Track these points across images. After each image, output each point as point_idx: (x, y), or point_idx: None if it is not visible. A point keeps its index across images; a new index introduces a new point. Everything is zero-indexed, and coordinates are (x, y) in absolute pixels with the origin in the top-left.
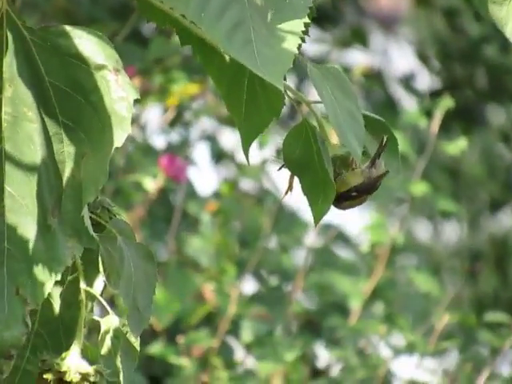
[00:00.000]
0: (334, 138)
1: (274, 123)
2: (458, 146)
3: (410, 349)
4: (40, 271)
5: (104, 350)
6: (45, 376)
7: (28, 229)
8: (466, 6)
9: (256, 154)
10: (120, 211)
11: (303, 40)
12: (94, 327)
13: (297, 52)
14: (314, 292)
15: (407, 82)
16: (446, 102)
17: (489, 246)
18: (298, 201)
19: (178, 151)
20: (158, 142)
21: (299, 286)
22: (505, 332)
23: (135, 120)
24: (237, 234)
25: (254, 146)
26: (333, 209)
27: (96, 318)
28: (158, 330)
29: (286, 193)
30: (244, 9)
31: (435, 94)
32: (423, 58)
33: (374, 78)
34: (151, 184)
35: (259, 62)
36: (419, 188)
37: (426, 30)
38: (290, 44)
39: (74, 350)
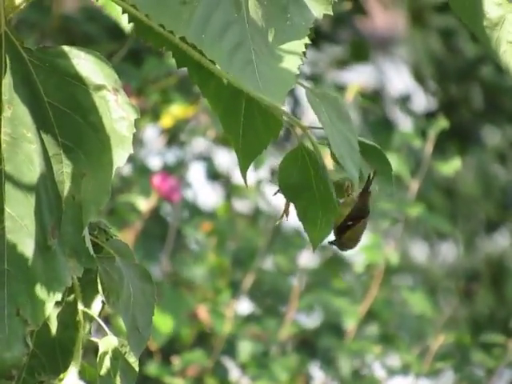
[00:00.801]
0: (328, 164)
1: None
2: (452, 165)
3: (405, 369)
4: (40, 292)
5: (103, 371)
6: None
7: (28, 250)
8: (462, 27)
9: (251, 175)
10: (115, 232)
11: (302, 61)
12: (89, 347)
13: (298, 72)
14: (309, 312)
15: (403, 102)
16: (441, 122)
17: (484, 266)
18: (293, 221)
19: (173, 171)
20: (154, 162)
21: (294, 306)
22: (500, 352)
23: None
24: (232, 253)
25: (250, 166)
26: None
27: (94, 339)
28: (153, 349)
29: (281, 217)
30: (244, 30)
31: (431, 115)
32: (419, 77)
33: (370, 97)
34: (144, 204)
35: (260, 82)
36: (414, 208)
37: (421, 50)
38: (291, 64)
39: (72, 371)
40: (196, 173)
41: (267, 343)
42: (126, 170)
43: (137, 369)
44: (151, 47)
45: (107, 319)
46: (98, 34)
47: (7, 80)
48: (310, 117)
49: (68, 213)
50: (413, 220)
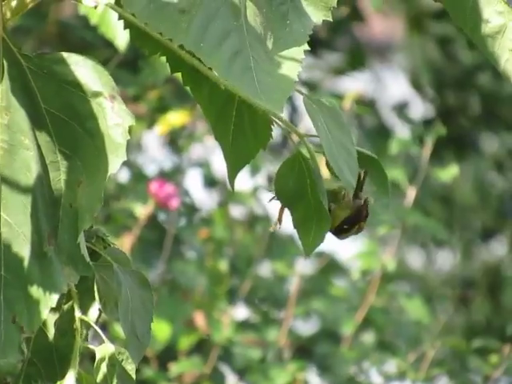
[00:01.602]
0: (325, 172)
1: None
2: (449, 172)
3: (402, 376)
4: (36, 299)
5: (100, 378)
6: None
7: (24, 257)
8: (460, 34)
9: (248, 181)
10: (113, 239)
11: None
12: (86, 354)
13: (297, 79)
14: (305, 318)
15: (401, 109)
16: (439, 130)
17: (481, 273)
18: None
19: (171, 178)
20: (151, 168)
21: (291, 312)
22: (496, 359)
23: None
24: (229, 260)
25: (246, 172)
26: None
27: (91, 346)
28: (150, 356)
29: (276, 225)
30: (243, 37)
31: (428, 122)
32: (417, 85)
33: (367, 105)
34: (141, 210)
35: (259, 89)
36: (411, 215)
37: (419, 57)
38: (290, 71)
39: (70, 379)
40: (193, 179)
41: (264, 350)
42: (123, 176)
43: (134, 376)
44: (146, 54)
45: (104, 326)
46: (94, 40)
47: (4, 86)
48: (307, 124)
49: (64, 221)
50: (410, 227)
